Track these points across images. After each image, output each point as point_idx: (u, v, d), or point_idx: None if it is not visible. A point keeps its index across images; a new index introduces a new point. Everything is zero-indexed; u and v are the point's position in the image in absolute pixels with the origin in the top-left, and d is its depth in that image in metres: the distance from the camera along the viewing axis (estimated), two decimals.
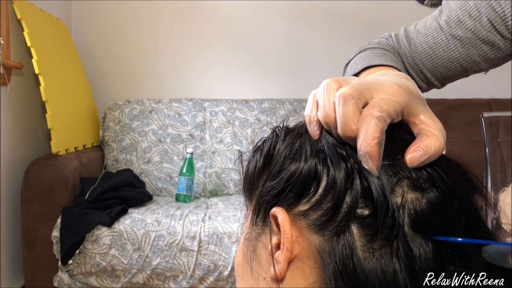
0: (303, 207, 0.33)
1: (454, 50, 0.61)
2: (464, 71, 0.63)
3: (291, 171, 0.34)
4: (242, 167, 0.41)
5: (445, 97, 2.41)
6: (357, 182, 0.31)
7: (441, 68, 0.63)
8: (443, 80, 0.66)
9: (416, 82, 0.65)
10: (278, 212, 0.33)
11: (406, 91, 0.33)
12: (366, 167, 0.31)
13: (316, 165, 0.33)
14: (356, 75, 0.57)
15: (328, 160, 0.33)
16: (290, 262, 0.33)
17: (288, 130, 0.39)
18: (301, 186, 0.33)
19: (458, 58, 0.61)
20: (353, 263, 0.30)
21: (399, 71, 0.54)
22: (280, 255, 0.33)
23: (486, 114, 1.27)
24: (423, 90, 0.68)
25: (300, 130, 0.38)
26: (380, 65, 0.56)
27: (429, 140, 0.32)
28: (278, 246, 0.33)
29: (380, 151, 0.31)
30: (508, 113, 1.20)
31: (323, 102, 0.33)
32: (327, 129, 0.34)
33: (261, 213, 0.36)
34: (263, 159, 0.38)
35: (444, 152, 0.33)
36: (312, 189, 0.33)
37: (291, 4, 2.52)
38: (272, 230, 0.34)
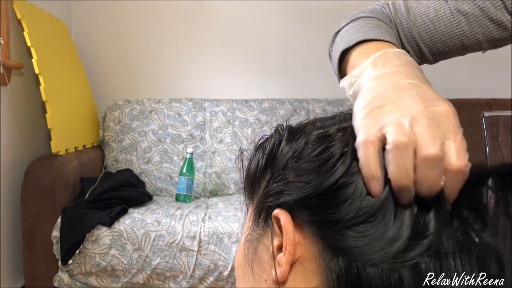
0: (308, 211, 0.32)
1: (457, 25, 0.56)
2: (463, 49, 0.59)
3: (294, 173, 0.33)
4: (243, 166, 0.41)
5: (445, 97, 2.41)
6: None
7: (439, 44, 0.58)
8: (438, 56, 0.61)
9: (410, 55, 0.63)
10: (281, 213, 0.33)
11: (454, 110, 0.32)
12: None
13: (339, 176, 0.31)
14: (349, 49, 0.52)
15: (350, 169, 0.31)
16: (292, 264, 0.32)
17: (291, 130, 0.38)
18: (319, 195, 0.32)
19: (460, 35, 0.57)
20: (357, 268, 0.29)
21: (396, 46, 0.50)
22: (282, 257, 0.32)
23: (486, 114, 1.27)
24: None
25: (304, 130, 0.37)
26: (375, 39, 0.51)
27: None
28: (280, 248, 0.33)
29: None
30: (508, 113, 1.20)
31: (401, 164, 0.29)
32: (397, 189, 0.30)
33: (263, 214, 0.36)
34: (265, 158, 0.37)
35: None
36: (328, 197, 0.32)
37: (291, 4, 2.52)
38: (274, 231, 0.34)
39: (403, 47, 0.61)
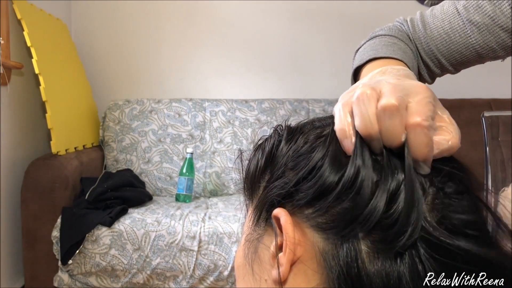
0: (308, 210, 0.32)
1: (470, 36, 0.59)
2: (479, 58, 0.61)
3: (304, 174, 0.33)
4: (243, 166, 0.41)
5: (445, 97, 2.41)
6: (383, 195, 0.29)
7: (457, 54, 0.62)
8: (458, 65, 0.64)
9: (430, 68, 0.64)
10: (281, 213, 0.33)
11: (430, 89, 0.34)
12: (422, 172, 0.31)
13: (336, 172, 0.32)
14: (361, 66, 0.56)
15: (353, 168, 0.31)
16: (292, 264, 0.32)
17: (290, 129, 0.38)
18: (316, 192, 0.32)
19: (474, 44, 0.60)
20: (358, 267, 0.29)
21: (404, 63, 0.53)
22: (282, 257, 0.32)
23: (486, 114, 1.27)
24: (435, 75, 0.66)
25: (303, 130, 0.37)
26: (385, 57, 0.54)
27: (442, 136, 0.32)
28: (280, 248, 0.33)
29: (431, 156, 0.31)
30: (508, 113, 1.20)
31: (365, 113, 0.31)
32: (365, 140, 0.32)
33: (263, 214, 0.36)
34: (265, 158, 0.37)
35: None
36: (327, 195, 0.32)
37: (291, 4, 2.52)
38: (275, 231, 0.34)
39: (423, 61, 0.64)
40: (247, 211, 0.40)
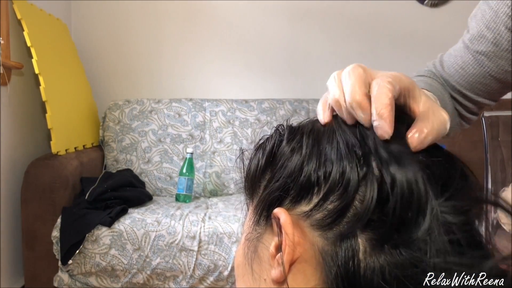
0: (306, 207, 0.33)
1: (482, 65, 0.61)
2: (501, 83, 0.62)
3: (296, 169, 0.34)
4: (244, 165, 0.41)
5: None
6: (374, 186, 0.30)
7: (478, 85, 0.63)
8: (488, 95, 0.64)
9: (465, 106, 0.65)
10: (280, 213, 0.33)
11: (411, 79, 0.35)
12: (379, 132, 0.31)
13: (327, 166, 0.32)
14: None
15: (344, 161, 0.32)
16: (292, 264, 0.32)
17: (292, 129, 0.38)
18: (306, 185, 0.33)
19: (489, 71, 0.61)
20: (356, 267, 0.29)
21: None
22: (282, 257, 0.32)
23: (486, 114, 1.27)
24: (473, 111, 0.67)
25: (305, 130, 0.37)
26: None
27: (429, 121, 0.32)
28: (280, 247, 0.33)
29: (393, 114, 0.31)
30: (508, 113, 1.20)
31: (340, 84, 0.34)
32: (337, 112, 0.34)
33: (263, 213, 0.36)
34: (265, 158, 0.38)
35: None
36: (317, 189, 0.32)
37: (291, 4, 2.52)
38: (274, 231, 0.34)
39: (454, 99, 0.66)
40: (248, 210, 0.40)
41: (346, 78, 0.33)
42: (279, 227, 0.33)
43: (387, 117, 0.31)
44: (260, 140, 0.40)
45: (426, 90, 0.57)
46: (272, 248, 0.34)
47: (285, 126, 0.39)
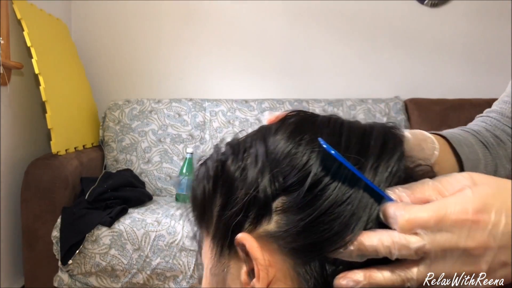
0: (268, 226, 0.32)
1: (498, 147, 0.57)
2: None
3: (250, 188, 0.32)
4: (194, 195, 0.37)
5: (445, 97, 2.41)
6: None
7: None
8: None
9: None
10: (245, 238, 0.31)
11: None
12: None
13: (283, 177, 0.32)
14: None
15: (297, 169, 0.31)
16: (267, 286, 0.31)
17: (233, 147, 0.36)
18: (264, 202, 0.31)
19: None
20: (331, 272, 0.30)
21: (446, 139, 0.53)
22: (256, 282, 0.31)
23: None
24: None
25: (246, 146, 0.35)
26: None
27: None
28: (251, 273, 0.32)
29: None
30: None
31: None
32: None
33: (225, 243, 0.34)
34: (212, 183, 0.35)
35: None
36: (276, 203, 0.32)
37: (291, 4, 2.52)
38: (241, 257, 0.32)
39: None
40: (201, 241, 0.38)
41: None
42: (246, 253, 0.31)
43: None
44: (199, 164, 0.38)
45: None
46: (243, 276, 0.32)
47: (224, 145, 0.37)
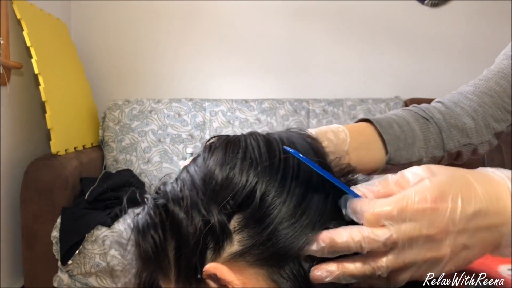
0: (232, 248, 0.32)
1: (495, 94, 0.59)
2: None
3: (202, 224, 0.32)
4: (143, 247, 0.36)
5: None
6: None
7: (492, 110, 0.59)
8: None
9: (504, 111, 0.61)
10: (214, 267, 0.31)
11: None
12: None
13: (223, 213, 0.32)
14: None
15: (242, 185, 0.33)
16: None
17: (169, 191, 0.36)
18: (222, 229, 0.32)
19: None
20: (306, 272, 0.31)
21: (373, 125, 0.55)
22: None
23: None
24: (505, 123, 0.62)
25: (181, 185, 0.35)
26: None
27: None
28: None
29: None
30: None
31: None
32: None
33: (192, 281, 0.33)
34: (161, 231, 0.35)
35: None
36: (233, 225, 0.32)
37: (291, 4, 2.52)
38: (213, 286, 0.32)
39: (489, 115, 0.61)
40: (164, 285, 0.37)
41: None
42: (218, 281, 0.32)
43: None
44: (137, 216, 0.37)
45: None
46: None
47: (160, 189, 0.37)
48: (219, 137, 0.38)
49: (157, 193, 0.37)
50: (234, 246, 0.32)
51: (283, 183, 0.32)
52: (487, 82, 0.60)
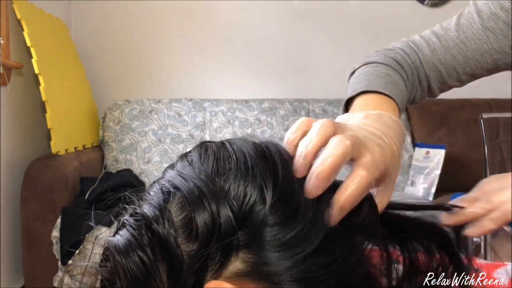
0: (235, 266, 0.31)
1: (486, 42, 0.63)
2: (493, 64, 0.64)
3: (197, 249, 0.31)
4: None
5: (445, 97, 2.40)
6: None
7: (472, 62, 0.65)
8: (470, 76, 0.68)
9: (442, 78, 0.68)
10: (218, 284, 0.30)
11: (389, 154, 0.36)
12: (307, 187, 0.31)
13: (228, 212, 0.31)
14: (353, 98, 0.58)
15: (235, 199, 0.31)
16: None
17: (160, 210, 0.33)
18: (225, 246, 0.30)
19: (489, 50, 0.63)
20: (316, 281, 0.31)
21: (394, 100, 0.55)
22: None
23: (485, 116, 1.27)
24: (445, 88, 0.70)
25: (172, 207, 0.33)
26: (376, 91, 0.56)
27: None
28: None
29: (331, 179, 0.31)
30: (507, 115, 1.20)
31: (314, 136, 0.33)
32: (291, 155, 0.34)
33: None
34: (150, 250, 0.32)
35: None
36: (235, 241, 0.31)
37: (291, 4, 2.52)
38: None
39: (426, 76, 0.68)
40: None
41: (330, 148, 0.32)
42: None
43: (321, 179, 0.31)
44: (117, 244, 0.34)
45: (394, 98, 0.56)
46: None
47: (140, 214, 0.34)
48: (199, 145, 0.37)
49: (135, 212, 0.35)
50: (237, 263, 0.31)
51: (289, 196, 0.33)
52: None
